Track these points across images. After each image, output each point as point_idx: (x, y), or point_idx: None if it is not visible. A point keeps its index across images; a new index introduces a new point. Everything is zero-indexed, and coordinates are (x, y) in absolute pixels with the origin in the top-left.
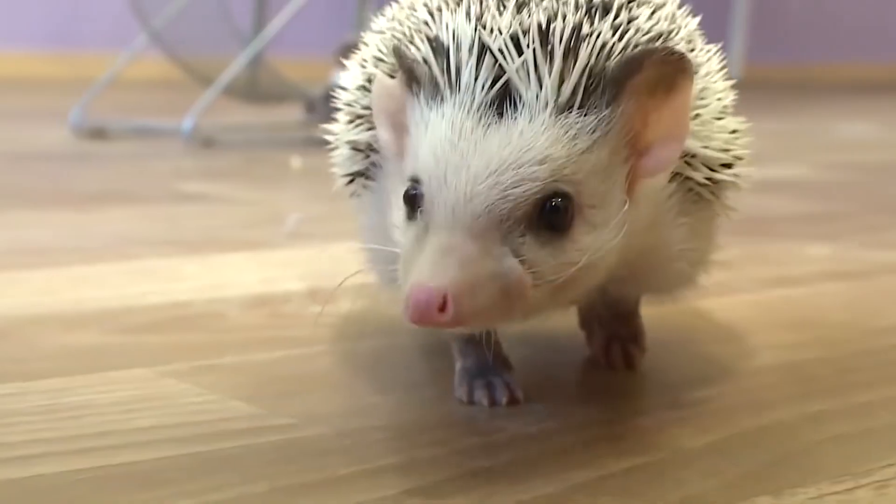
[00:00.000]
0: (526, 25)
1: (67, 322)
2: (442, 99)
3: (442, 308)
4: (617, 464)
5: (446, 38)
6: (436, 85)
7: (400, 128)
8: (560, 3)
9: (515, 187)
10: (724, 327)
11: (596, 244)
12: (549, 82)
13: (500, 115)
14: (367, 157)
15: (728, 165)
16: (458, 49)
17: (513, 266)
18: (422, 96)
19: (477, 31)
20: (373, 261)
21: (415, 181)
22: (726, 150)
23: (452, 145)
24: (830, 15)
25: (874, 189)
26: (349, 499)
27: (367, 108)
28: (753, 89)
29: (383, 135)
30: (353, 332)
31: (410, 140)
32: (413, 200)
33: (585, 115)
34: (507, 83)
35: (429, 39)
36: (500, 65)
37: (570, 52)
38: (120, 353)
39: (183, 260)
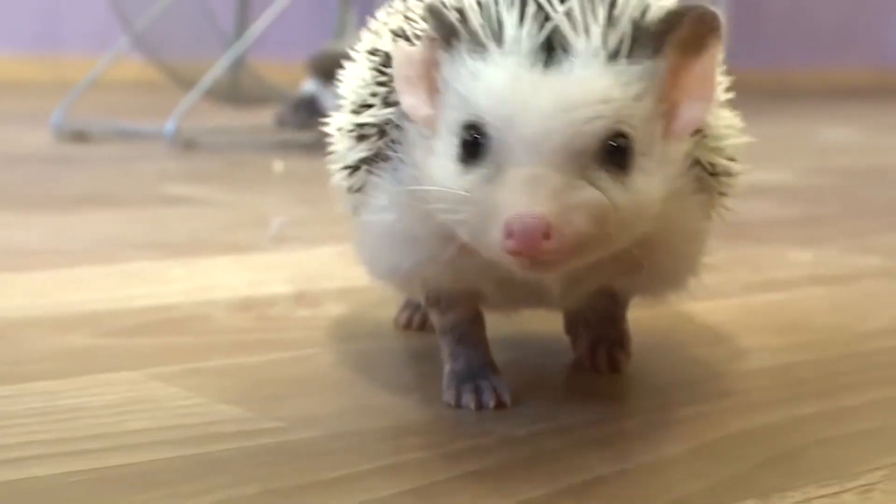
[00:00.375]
0: None
1: (56, 325)
2: (487, 51)
3: (547, 236)
4: (604, 467)
5: None
6: (478, 38)
7: (430, 89)
8: None
9: (586, 124)
10: (710, 331)
11: (650, 188)
12: (598, 31)
13: (553, 61)
14: (379, 138)
15: (730, 159)
16: (498, 2)
17: (597, 195)
18: (463, 51)
19: None
20: (380, 249)
21: (473, 127)
22: (725, 143)
23: (514, 89)
24: (811, 19)
25: (857, 194)
26: (340, 501)
27: (383, 84)
28: (734, 94)
29: (409, 101)
30: (341, 335)
31: (448, 97)
32: (473, 146)
33: (632, 65)
34: (553, 32)
35: None
36: (545, 14)
37: (613, 3)
38: (109, 356)
39: (169, 263)
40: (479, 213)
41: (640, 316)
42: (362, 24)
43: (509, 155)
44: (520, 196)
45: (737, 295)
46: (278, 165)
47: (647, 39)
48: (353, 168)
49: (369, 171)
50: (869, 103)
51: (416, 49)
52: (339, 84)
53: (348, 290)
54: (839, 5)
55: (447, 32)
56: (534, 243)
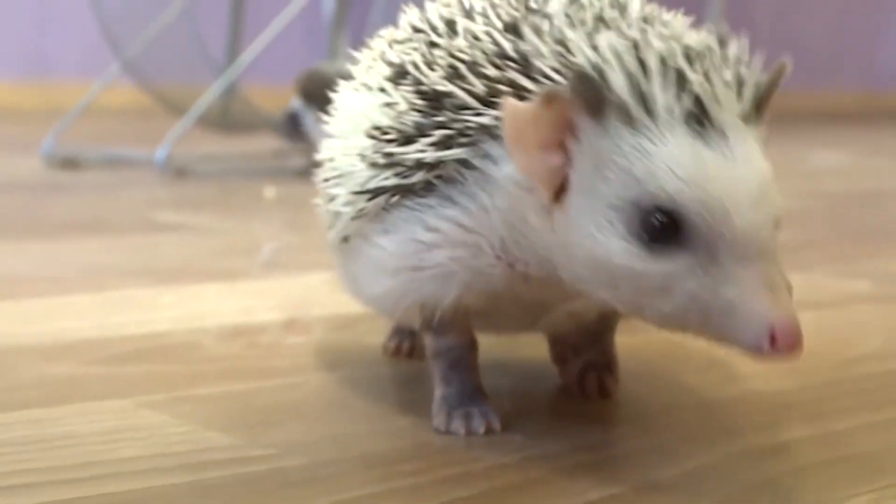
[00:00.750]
0: (675, 42)
1: (46, 352)
2: (642, 124)
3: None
4: (593, 493)
5: (623, 59)
6: (628, 109)
7: (555, 151)
8: (639, 21)
9: (776, 207)
10: (699, 356)
11: None
12: (736, 98)
13: (708, 134)
14: (425, 170)
15: None
16: (645, 70)
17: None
18: (615, 122)
19: (657, 50)
20: (390, 277)
21: (661, 211)
22: None
23: (704, 172)
24: (801, 43)
25: (846, 218)
26: None
27: (425, 114)
28: None
29: (525, 160)
30: (331, 361)
31: (603, 170)
32: (662, 231)
33: (757, 130)
34: (698, 101)
35: (588, 63)
36: (686, 80)
37: (731, 68)
38: (99, 384)
39: (159, 290)
40: (698, 306)
41: (629, 341)
42: (355, 47)
43: (723, 246)
44: (770, 302)
45: None
46: (269, 192)
47: (762, 102)
48: (372, 195)
49: (394, 201)
50: (859, 127)
51: (538, 108)
52: (326, 108)
53: (338, 316)
54: (829, 29)
55: (596, 102)
56: (795, 349)
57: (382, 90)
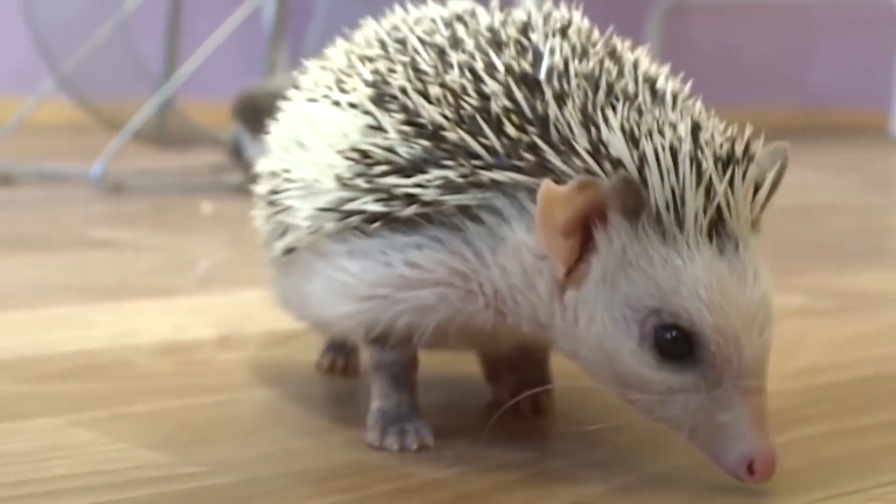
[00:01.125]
0: (706, 145)
1: None
2: (670, 233)
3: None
4: None
5: (662, 167)
6: (661, 217)
7: (578, 237)
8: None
9: (772, 333)
10: None
11: None
12: (751, 205)
13: (731, 245)
14: (419, 205)
15: None
16: (680, 180)
17: None
18: (647, 227)
19: (694, 157)
20: (370, 311)
21: (677, 328)
22: None
23: (724, 297)
24: (738, 62)
25: (781, 233)
26: None
27: (417, 145)
28: None
29: (550, 239)
30: (264, 378)
31: (626, 270)
32: (675, 345)
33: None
34: (720, 211)
35: (633, 159)
36: (715, 194)
37: (739, 168)
38: (30, 402)
39: (93, 307)
40: (692, 420)
41: (561, 358)
42: (293, 63)
43: (729, 372)
44: (757, 435)
45: None
46: (206, 207)
47: (767, 204)
48: (344, 216)
49: (374, 227)
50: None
51: (573, 192)
52: (262, 129)
53: (273, 333)
54: (765, 49)
55: (635, 207)
56: (768, 476)
57: (367, 112)
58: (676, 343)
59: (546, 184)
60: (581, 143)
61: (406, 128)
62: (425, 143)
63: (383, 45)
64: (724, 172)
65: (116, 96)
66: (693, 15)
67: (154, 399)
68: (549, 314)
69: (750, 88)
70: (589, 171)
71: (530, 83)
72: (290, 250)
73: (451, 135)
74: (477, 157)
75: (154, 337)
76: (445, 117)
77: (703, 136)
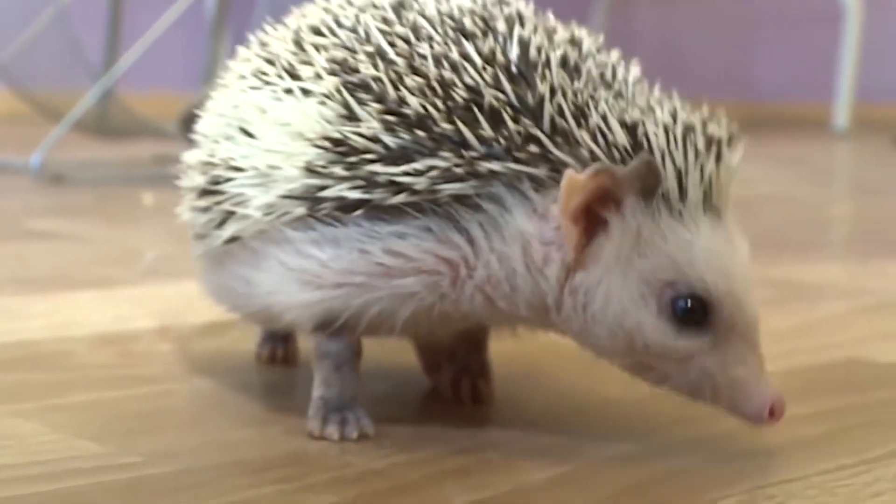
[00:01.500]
0: (698, 127)
1: None
2: (677, 209)
3: None
4: (462, 498)
5: (671, 149)
6: (670, 195)
7: (589, 220)
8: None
9: None
10: (574, 361)
11: None
12: (729, 181)
13: (719, 219)
14: (406, 196)
15: None
16: (686, 160)
17: None
18: (660, 207)
19: (683, 138)
20: (339, 299)
21: (695, 297)
22: None
23: (729, 264)
24: (683, 58)
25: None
26: None
27: (403, 136)
28: None
29: (572, 231)
30: (203, 369)
31: (640, 248)
32: (692, 313)
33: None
34: (710, 187)
35: (642, 141)
36: (708, 172)
37: (724, 147)
38: None
39: (31, 298)
40: (710, 381)
41: (504, 346)
42: (235, 53)
43: (736, 331)
44: (765, 381)
45: None
46: (148, 199)
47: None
48: (313, 202)
49: (355, 215)
50: (740, 135)
51: (588, 179)
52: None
53: (213, 324)
54: (709, 42)
55: (651, 187)
56: (782, 417)
57: (337, 101)
58: (692, 311)
59: (569, 173)
60: (580, 132)
61: (388, 117)
62: (412, 133)
63: (332, 32)
64: (712, 152)
65: (56, 86)
66: (638, 7)
67: (93, 389)
68: (557, 299)
69: (694, 81)
70: (595, 158)
71: (514, 74)
72: (232, 240)
73: (443, 125)
74: (472, 148)
75: (93, 328)
76: (436, 108)
77: (684, 119)
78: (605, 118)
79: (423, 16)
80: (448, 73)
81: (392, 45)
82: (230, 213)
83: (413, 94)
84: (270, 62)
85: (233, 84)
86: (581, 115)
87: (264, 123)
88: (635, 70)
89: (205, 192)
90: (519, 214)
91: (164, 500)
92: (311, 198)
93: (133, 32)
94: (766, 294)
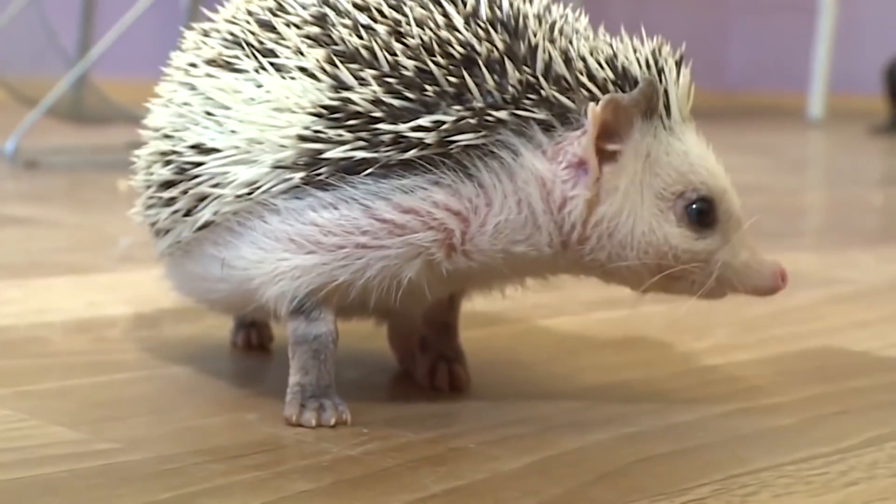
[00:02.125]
0: (647, 49)
1: None
2: (670, 124)
3: None
4: (437, 485)
5: (642, 65)
6: (665, 112)
7: (604, 150)
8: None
9: None
10: (548, 348)
11: None
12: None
13: (691, 127)
14: (418, 151)
15: None
16: (670, 79)
17: None
18: (658, 125)
19: (654, 55)
20: (337, 263)
21: (704, 200)
22: None
23: (714, 165)
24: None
25: None
26: None
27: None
28: None
29: (594, 165)
30: (178, 356)
31: (649, 165)
32: (704, 215)
33: None
34: (681, 102)
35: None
36: (680, 89)
37: (682, 69)
38: None
39: (4, 284)
40: (727, 270)
41: (478, 334)
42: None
43: (732, 222)
44: (762, 255)
45: (576, 312)
46: (123, 185)
47: None
48: (310, 168)
49: (361, 175)
50: (710, 125)
51: (601, 110)
52: None
53: (187, 311)
54: (682, 28)
55: (653, 107)
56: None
57: (326, 73)
58: (703, 212)
59: (591, 107)
60: (571, 74)
61: (389, 79)
62: (415, 91)
63: (297, 10)
64: (676, 72)
65: (30, 72)
66: None
67: (67, 376)
68: (584, 232)
69: None
70: (593, 96)
71: (500, 28)
72: (204, 225)
73: (446, 81)
74: (476, 99)
75: (67, 314)
76: (437, 65)
77: (647, 50)
78: (584, 59)
79: None
80: (443, 33)
81: (370, 16)
82: (201, 199)
83: (408, 56)
84: (234, 45)
85: (183, 74)
86: (566, 58)
87: (240, 103)
88: (583, 19)
89: (169, 184)
90: (531, 157)
91: (139, 487)
92: (308, 164)
93: (106, 18)
94: None
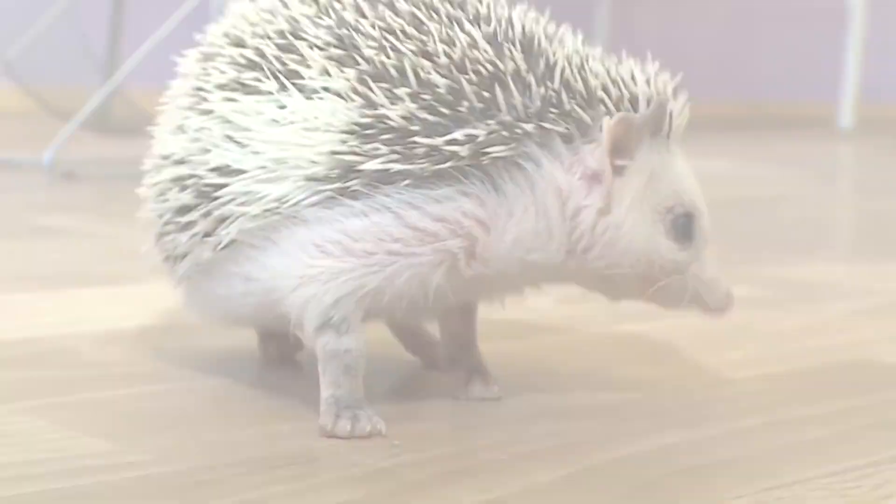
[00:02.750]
0: (648, 72)
1: None
2: (667, 145)
3: None
4: (470, 498)
5: (650, 90)
6: (667, 131)
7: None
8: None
9: None
10: (577, 361)
11: None
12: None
13: (676, 144)
14: (453, 162)
15: None
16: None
17: None
18: (663, 142)
19: (655, 87)
20: (364, 269)
21: (687, 216)
22: None
23: (693, 181)
24: (685, 56)
25: (727, 225)
26: None
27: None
28: None
29: (609, 177)
30: (210, 367)
31: (651, 180)
32: (686, 229)
33: None
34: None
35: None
36: (674, 110)
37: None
38: None
39: (39, 295)
40: (694, 282)
41: (510, 347)
42: None
43: (702, 239)
44: (722, 275)
45: (604, 325)
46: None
47: None
48: (344, 180)
49: (402, 185)
50: (739, 135)
51: (612, 127)
52: None
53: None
54: (710, 40)
55: (661, 127)
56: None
57: (358, 93)
58: (686, 226)
59: (606, 121)
60: (588, 90)
61: (423, 96)
62: (448, 107)
63: (316, 31)
64: (676, 96)
65: (63, 83)
66: (639, 5)
67: (99, 387)
68: (591, 241)
69: (696, 79)
70: (608, 111)
71: (520, 47)
72: (229, 244)
73: (476, 97)
74: (505, 113)
75: (100, 325)
76: (469, 83)
77: (648, 72)
78: (598, 76)
79: (394, 8)
80: (470, 51)
81: (396, 37)
82: (222, 220)
83: (440, 74)
84: (250, 68)
85: (192, 100)
86: (581, 75)
87: (262, 125)
88: (580, 36)
89: (187, 209)
90: (552, 169)
91: (173, 499)
92: (340, 176)
93: (136, 27)
94: (771, 295)
